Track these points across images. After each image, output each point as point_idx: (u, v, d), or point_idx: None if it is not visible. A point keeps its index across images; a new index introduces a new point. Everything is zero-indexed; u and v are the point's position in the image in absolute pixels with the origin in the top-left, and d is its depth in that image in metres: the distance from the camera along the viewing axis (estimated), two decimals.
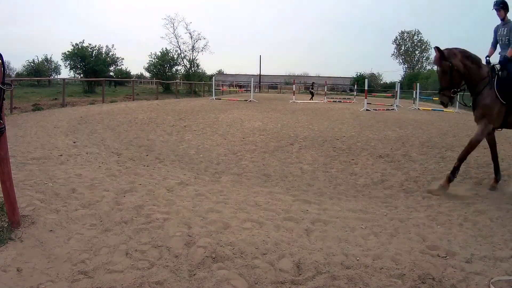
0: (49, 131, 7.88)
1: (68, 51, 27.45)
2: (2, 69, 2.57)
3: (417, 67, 53.59)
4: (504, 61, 4.40)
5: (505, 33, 4.47)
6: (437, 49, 4.22)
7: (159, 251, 2.53)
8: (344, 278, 2.25)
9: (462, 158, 4.36)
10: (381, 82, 53.66)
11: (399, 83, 23.40)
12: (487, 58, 4.63)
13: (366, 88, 18.13)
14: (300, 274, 2.31)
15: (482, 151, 7.10)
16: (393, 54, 56.00)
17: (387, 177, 5.02)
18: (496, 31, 4.58)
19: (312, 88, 31.68)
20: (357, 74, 52.92)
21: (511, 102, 4.21)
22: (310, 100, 25.78)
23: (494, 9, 4.46)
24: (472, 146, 4.30)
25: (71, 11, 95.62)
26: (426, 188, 4.46)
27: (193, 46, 35.30)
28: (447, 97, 4.27)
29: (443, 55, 4.20)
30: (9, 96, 11.68)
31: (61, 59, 28.75)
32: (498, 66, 4.39)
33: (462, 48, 4.34)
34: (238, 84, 50.88)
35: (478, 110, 4.36)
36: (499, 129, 4.54)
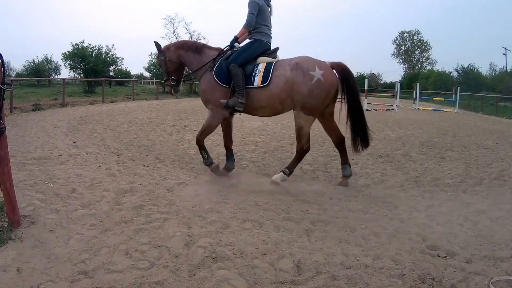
0: (49, 131, 7.88)
1: (68, 51, 27.46)
2: (2, 69, 2.58)
3: (417, 67, 53.43)
4: (233, 40, 4.26)
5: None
6: (155, 43, 4.55)
7: (159, 251, 2.53)
8: (344, 278, 2.25)
9: (198, 142, 4.44)
10: (381, 82, 53.54)
11: (399, 83, 23.37)
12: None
13: (366, 88, 18.14)
14: (300, 274, 2.31)
15: (482, 151, 7.10)
16: (393, 54, 55.94)
17: (387, 177, 5.02)
18: None
19: None
20: (357, 74, 52.77)
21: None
22: None
23: None
24: (204, 130, 4.40)
25: (71, 11, 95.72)
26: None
27: None
28: (169, 86, 4.65)
29: (158, 50, 4.54)
30: (9, 96, 11.68)
31: (61, 59, 28.79)
32: (226, 48, 4.32)
33: (184, 40, 4.68)
34: None
35: (201, 96, 4.52)
36: (237, 114, 4.43)
